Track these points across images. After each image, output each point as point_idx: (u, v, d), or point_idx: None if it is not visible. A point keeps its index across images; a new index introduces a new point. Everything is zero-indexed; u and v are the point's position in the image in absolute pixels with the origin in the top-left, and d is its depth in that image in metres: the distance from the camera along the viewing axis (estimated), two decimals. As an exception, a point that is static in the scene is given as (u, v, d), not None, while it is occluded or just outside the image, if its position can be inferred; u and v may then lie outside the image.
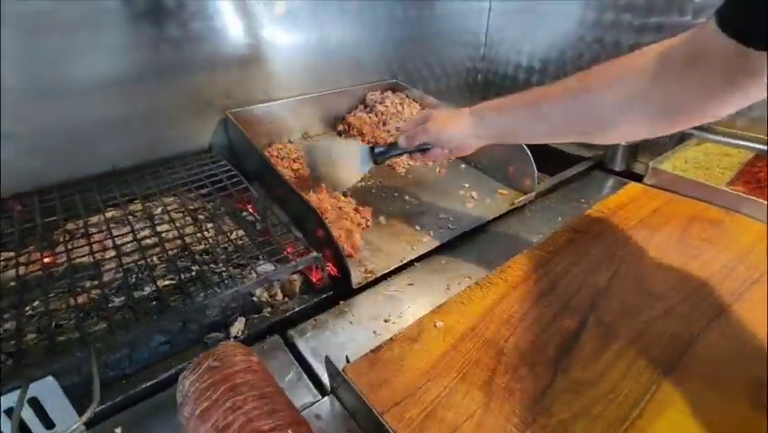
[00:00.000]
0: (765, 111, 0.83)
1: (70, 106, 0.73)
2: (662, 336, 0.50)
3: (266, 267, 0.58)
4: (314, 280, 0.61)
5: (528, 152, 0.80)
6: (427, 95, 1.05)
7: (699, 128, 0.93)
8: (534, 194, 0.82)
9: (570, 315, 0.52)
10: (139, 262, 0.58)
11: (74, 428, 0.36)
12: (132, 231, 0.63)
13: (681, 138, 0.94)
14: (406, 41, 1.10)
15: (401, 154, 0.73)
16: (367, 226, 0.74)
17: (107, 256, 0.59)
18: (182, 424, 0.38)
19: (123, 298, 0.54)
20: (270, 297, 0.60)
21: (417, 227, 0.74)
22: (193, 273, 0.57)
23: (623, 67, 0.49)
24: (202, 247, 0.62)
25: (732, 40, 0.38)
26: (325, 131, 1.05)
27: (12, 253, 0.59)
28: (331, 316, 0.58)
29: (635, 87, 0.47)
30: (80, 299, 0.53)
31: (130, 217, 0.67)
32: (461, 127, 0.63)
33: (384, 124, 0.98)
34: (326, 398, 0.47)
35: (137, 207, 0.70)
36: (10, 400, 0.38)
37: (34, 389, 0.40)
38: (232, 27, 0.84)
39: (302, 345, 0.54)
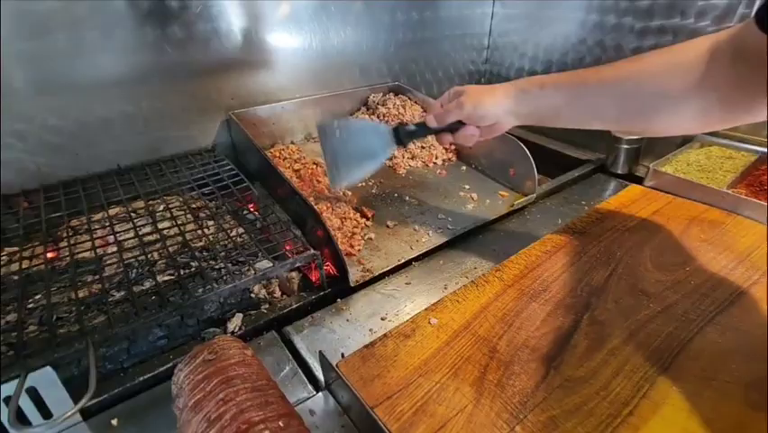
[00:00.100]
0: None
1: (76, 106, 0.74)
2: (658, 335, 0.50)
3: (264, 264, 0.59)
4: (312, 278, 0.62)
5: (529, 153, 0.80)
6: (429, 97, 1.05)
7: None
8: (534, 196, 0.82)
9: (564, 313, 0.52)
10: (139, 258, 0.59)
11: (69, 414, 0.37)
12: (134, 228, 0.64)
13: (683, 141, 0.94)
14: (408, 43, 1.11)
15: (428, 134, 0.66)
16: (366, 226, 0.75)
17: (109, 252, 0.60)
18: (176, 415, 0.38)
19: (123, 292, 0.55)
20: (269, 294, 0.61)
21: (416, 227, 0.74)
22: (192, 269, 0.58)
23: (677, 56, 0.48)
24: (202, 244, 0.63)
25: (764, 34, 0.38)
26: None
27: (16, 248, 0.61)
28: (328, 313, 0.59)
29: (687, 78, 0.46)
30: (81, 293, 0.54)
31: (132, 214, 0.68)
32: (500, 102, 0.58)
33: (386, 125, 0.98)
34: (320, 393, 0.47)
35: (140, 204, 0.72)
36: (9, 389, 0.39)
37: (33, 378, 0.40)
38: (236, 29, 0.85)
39: (298, 341, 0.54)
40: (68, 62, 0.71)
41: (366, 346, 0.48)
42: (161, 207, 0.71)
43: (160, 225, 0.65)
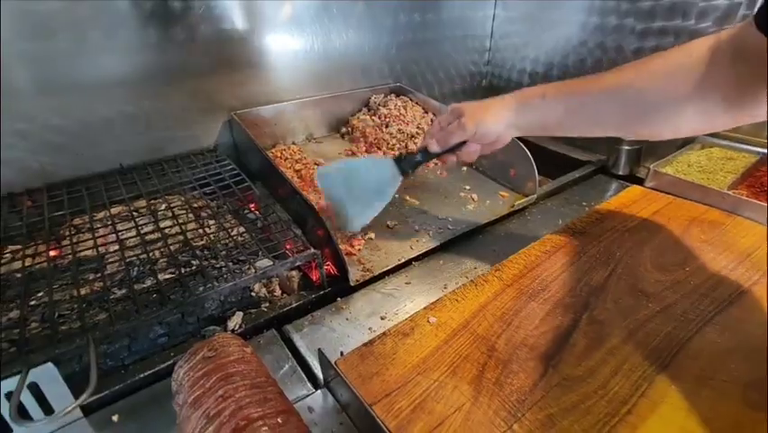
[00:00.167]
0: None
1: (79, 105, 0.75)
2: (657, 334, 0.50)
3: (265, 262, 0.59)
4: (312, 277, 0.62)
5: (530, 154, 0.81)
6: (431, 98, 1.06)
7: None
8: (535, 196, 0.82)
9: (563, 313, 0.52)
10: (141, 256, 0.60)
11: (70, 409, 0.37)
12: (136, 226, 0.64)
13: (684, 142, 0.94)
14: (410, 45, 1.12)
15: (432, 159, 0.65)
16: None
17: (111, 250, 0.61)
18: (176, 411, 0.39)
19: (124, 290, 0.55)
20: (269, 292, 0.61)
21: (417, 227, 0.75)
22: (193, 268, 0.58)
23: (677, 59, 0.48)
24: (203, 243, 0.63)
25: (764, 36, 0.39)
26: (329, 133, 1.07)
27: (19, 246, 0.61)
28: (328, 312, 0.59)
29: (688, 80, 0.46)
30: (83, 291, 0.54)
31: (134, 213, 0.68)
32: (502, 118, 0.59)
33: (387, 126, 0.99)
34: (319, 391, 0.48)
35: (142, 203, 0.72)
36: (11, 384, 0.40)
37: (34, 374, 0.41)
38: (238, 30, 0.86)
39: (298, 339, 0.54)
40: (70, 62, 0.72)
41: (365, 345, 0.48)
42: (163, 207, 0.71)
43: (162, 224, 0.66)
